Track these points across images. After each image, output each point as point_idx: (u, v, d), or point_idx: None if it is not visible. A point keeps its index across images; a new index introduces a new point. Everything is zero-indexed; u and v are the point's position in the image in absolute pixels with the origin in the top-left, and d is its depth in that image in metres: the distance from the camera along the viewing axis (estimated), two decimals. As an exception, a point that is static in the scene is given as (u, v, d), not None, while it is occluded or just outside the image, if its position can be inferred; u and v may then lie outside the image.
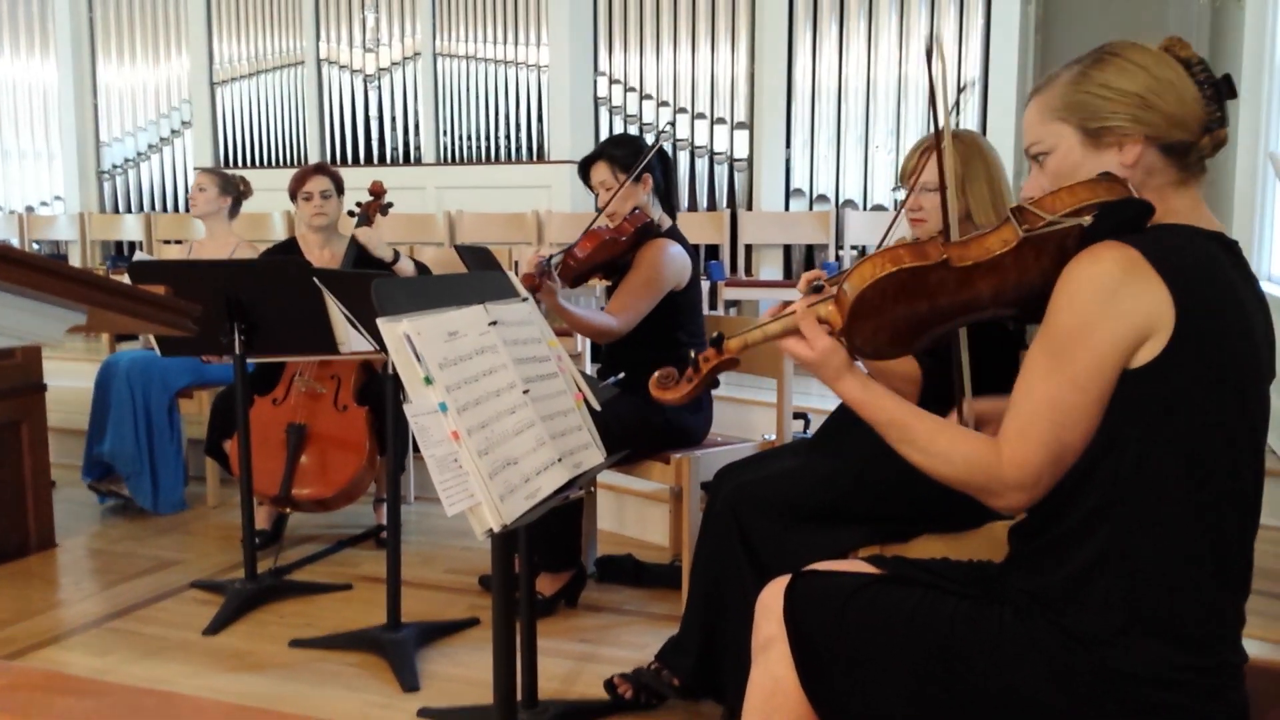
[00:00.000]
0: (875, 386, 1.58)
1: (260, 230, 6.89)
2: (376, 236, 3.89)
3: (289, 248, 4.14)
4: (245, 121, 7.77)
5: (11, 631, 3.20)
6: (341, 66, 7.40)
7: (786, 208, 6.41)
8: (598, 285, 3.56)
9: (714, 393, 2.02)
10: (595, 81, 6.85)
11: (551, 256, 3.06)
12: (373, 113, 7.35)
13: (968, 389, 1.80)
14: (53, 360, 4.43)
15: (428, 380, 1.79)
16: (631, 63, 6.74)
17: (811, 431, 3.71)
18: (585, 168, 3.31)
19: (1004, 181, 2.46)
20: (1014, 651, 1.47)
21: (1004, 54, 5.83)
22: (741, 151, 6.53)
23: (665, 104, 6.67)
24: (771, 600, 1.66)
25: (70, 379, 5.06)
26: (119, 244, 8.13)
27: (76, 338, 5.62)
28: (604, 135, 6.69)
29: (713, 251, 6.50)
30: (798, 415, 3.72)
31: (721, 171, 6.58)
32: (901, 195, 2.56)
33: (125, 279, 3.21)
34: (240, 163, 7.73)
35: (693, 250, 3.31)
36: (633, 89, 6.74)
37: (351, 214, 3.98)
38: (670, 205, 3.37)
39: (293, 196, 4.06)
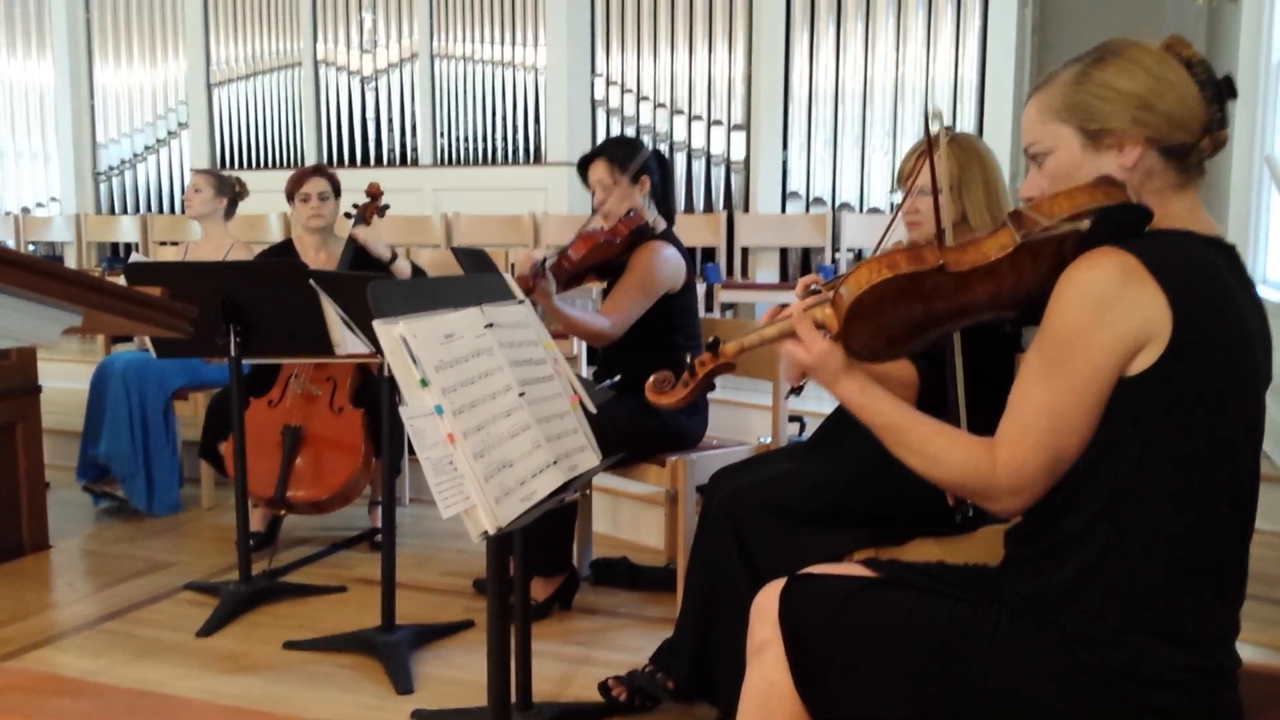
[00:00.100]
0: (873, 389, 1.58)
1: (257, 232, 6.89)
2: (373, 238, 3.89)
3: (285, 249, 4.14)
4: (242, 123, 7.76)
5: (6, 633, 3.19)
6: (338, 68, 7.40)
7: (783, 210, 6.41)
8: (594, 288, 3.56)
9: (710, 396, 2.03)
10: (592, 83, 6.85)
11: (545, 257, 3.06)
12: (369, 114, 7.35)
13: (961, 395, 1.81)
14: (48, 361, 4.42)
15: (423, 382, 1.79)
16: (629, 64, 6.74)
17: (807, 435, 3.71)
18: (584, 165, 3.32)
19: (1000, 184, 2.46)
20: (1011, 653, 1.47)
21: (1001, 55, 5.84)
22: (738, 154, 6.54)
23: (662, 106, 6.67)
24: (767, 603, 1.66)
25: (65, 380, 5.05)
26: (115, 245, 8.13)
27: (72, 339, 5.62)
28: (601, 137, 6.69)
29: (709, 254, 6.51)
30: (793, 418, 3.72)
31: (718, 174, 6.59)
32: (898, 198, 2.57)
33: (121, 281, 3.20)
34: (237, 164, 7.73)
35: (687, 253, 3.31)
36: (630, 91, 6.74)
37: (348, 215, 3.98)
38: (668, 210, 3.37)
39: (289, 198, 4.06)
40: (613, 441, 2.58)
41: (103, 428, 4.23)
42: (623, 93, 6.76)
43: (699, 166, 6.62)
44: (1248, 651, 1.53)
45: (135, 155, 8.22)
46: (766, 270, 6.52)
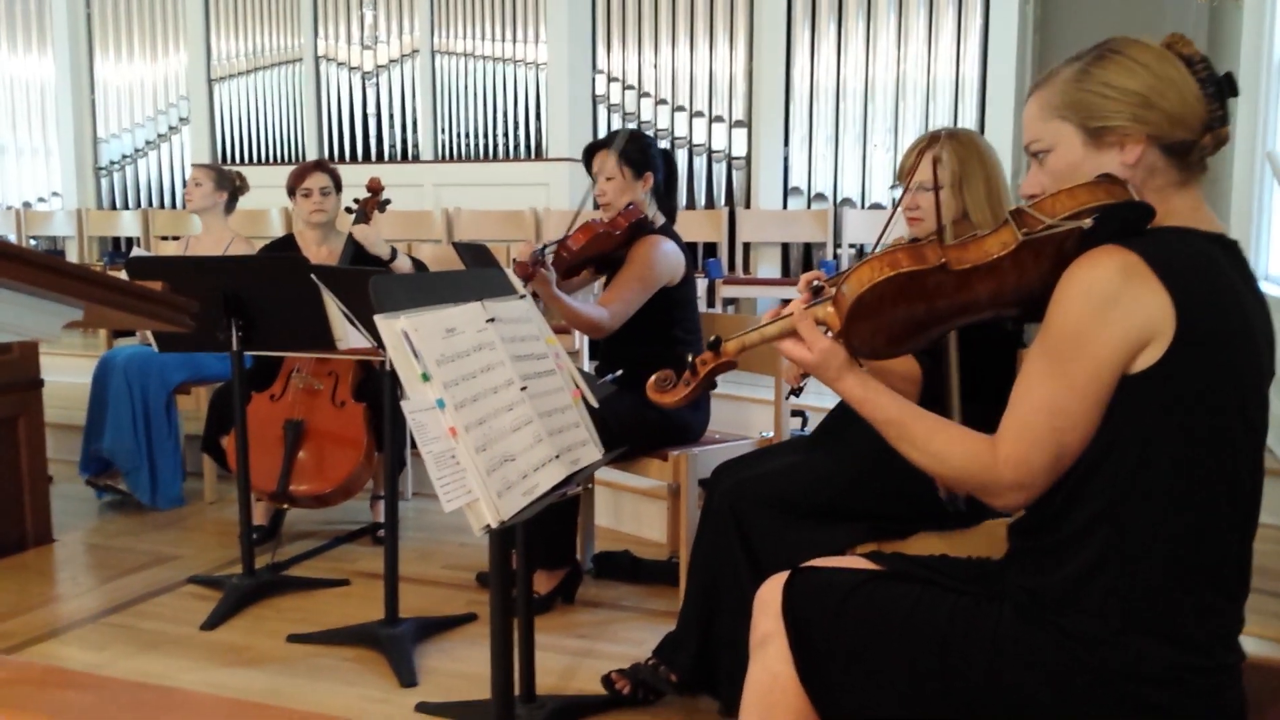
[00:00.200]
0: (875, 385, 1.58)
1: (258, 227, 6.89)
2: (374, 233, 3.89)
3: (287, 244, 4.14)
4: (243, 118, 7.76)
5: (9, 626, 3.19)
6: (340, 63, 7.40)
7: (784, 206, 6.41)
8: (596, 285, 3.56)
9: (711, 390, 2.03)
10: (594, 79, 6.85)
11: (545, 246, 3.06)
12: (371, 110, 7.34)
13: (955, 390, 1.82)
14: (50, 356, 4.43)
15: (425, 377, 1.80)
16: (630, 60, 6.74)
17: (810, 429, 3.71)
18: (590, 153, 3.32)
19: (1001, 180, 2.46)
20: (1012, 649, 1.48)
21: (1002, 53, 5.84)
22: (740, 149, 6.54)
23: (664, 102, 6.66)
24: (770, 596, 1.66)
25: (67, 374, 5.07)
26: (116, 240, 8.13)
27: (74, 333, 5.63)
28: (602, 133, 6.68)
29: (710, 249, 6.50)
30: (796, 413, 3.73)
31: (720, 169, 6.58)
32: (899, 194, 2.57)
33: (123, 275, 3.20)
34: (238, 159, 7.73)
35: (686, 247, 3.31)
36: (631, 87, 6.74)
37: (349, 211, 3.98)
38: (670, 207, 3.37)
39: (291, 193, 4.06)
40: (615, 435, 2.59)
41: (105, 422, 4.24)
42: (624, 88, 6.75)
43: (700, 162, 6.62)
44: (1252, 645, 1.53)
45: (136, 150, 8.22)
46: (768, 266, 6.52)
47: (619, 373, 2.88)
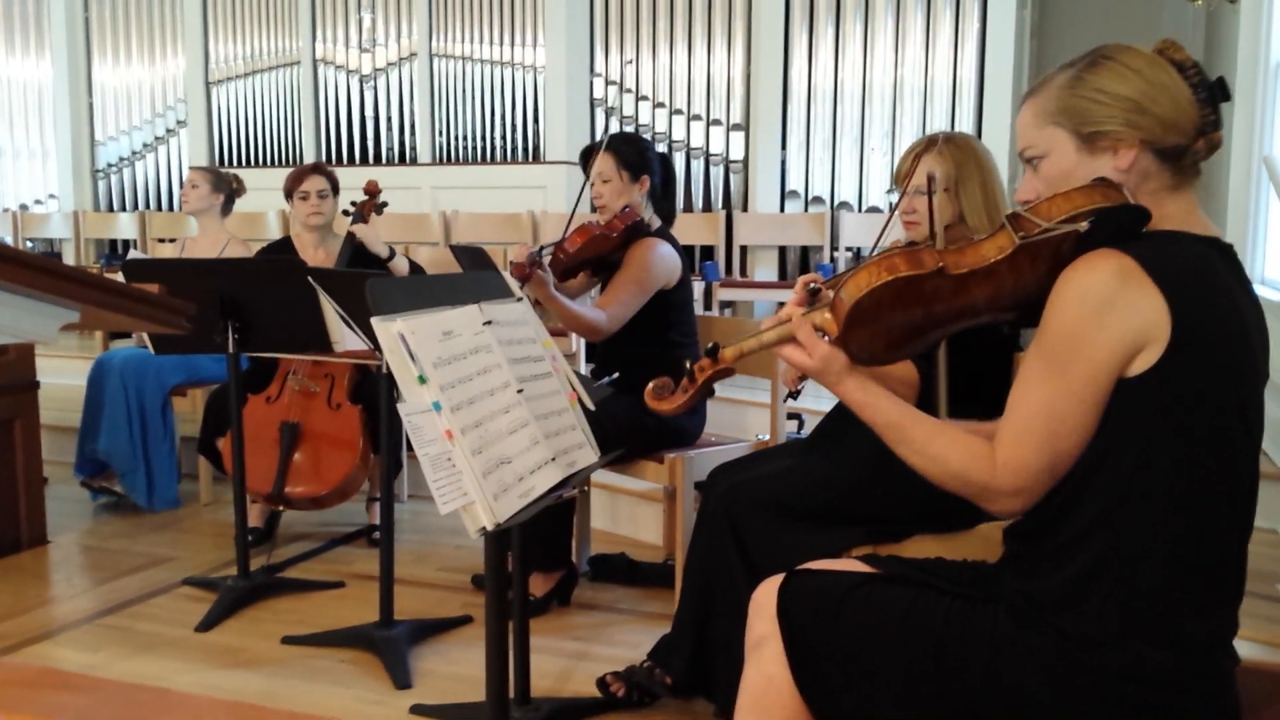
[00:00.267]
0: (874, 389, 1.59)
1: (255, 229, 6.89)
2: (372, 236, 3.89)
3: (284, 247, 4.14)
4: (241, 121, 7.76)
5: (4, 628, 3.19)
6: (337, 66, 7.40)
7: (782, 209, 6.41)
8: (594, 290, 3.56)
9: (710, 397, 2.03)
10: (591, 82, 6.85)
11: (542, 248, 3.06)
12: (368, 113, 7.34)
13: (943, 392, 1.82)
14: (46, 357, 4.43)
15: (422, 379, 1.79)
16: (627, 64, 6.74)
17: (806, 432, 3.72)
18: (587, 155, 3.32)
19: (997, 183, 2.47)
20: (1008, 651, 1.48)
21: (999, 57, 5.84)
22: (737, 153, 6.54)
23: (661, 105, 6.67)
24: (765, 599, 1.66)
25: (63, 376, 5.06)
26: (113, 242, 8.12)
27: (70, 335, 5.62)
28: (599, 137, 6.68)
29: (708, 252, 6.51)
30: (792, 416, 3.73)
31: (717, 173, 6.59)
32: (895, 198, 2.57)
33: (119, 277, 3.20)
34: (235, 162, 7.72)
35: (682, 250, 3.31)
36: (629, 90, 6.74)
37: (347, 213, 3.98)
38: (668, 211, 3.37)
39: (288, 196, 4.06)
40: (611, 438, 2.59)
41: (101, 424, 4.24)
42: (621, 92, 6.75)
43: (698, 166, 6.62)
44: (1245, 648, 1.53)
45: (134, 153, 8.21)
46: (765, 269, 6.52)
47: (615, 375, 2.88)
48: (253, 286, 3.25)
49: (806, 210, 6.35)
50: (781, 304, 2.30)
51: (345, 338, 3.21)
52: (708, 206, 6.60)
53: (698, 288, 5.48)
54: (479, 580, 3.51)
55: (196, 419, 4.18)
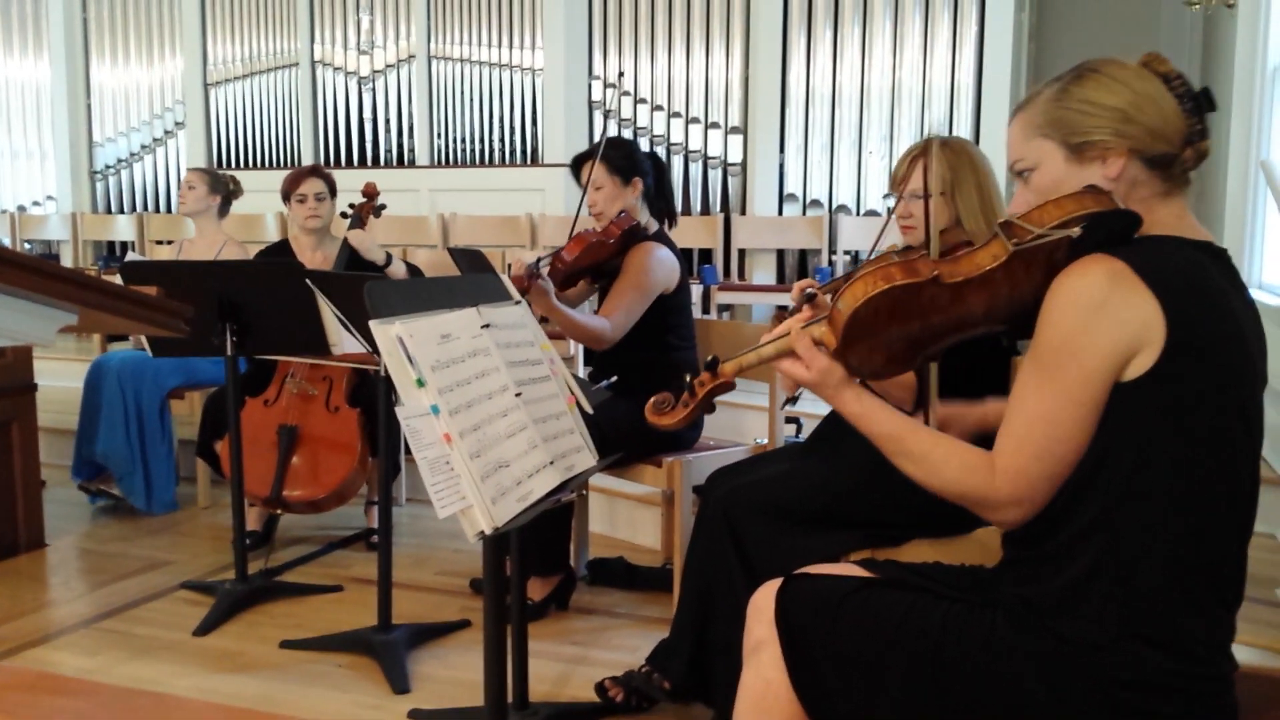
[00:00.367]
0: (871, 401, 1.60)
1: (253, 231, 6.88)
2: (369, 239, 3.89)
3: (282, 249, 4.14)
4: (239, 123, 7.75)
5: (1, 632, 3.18)
6: (336, 68, 7.40)
7: (780, 213, 6.41)
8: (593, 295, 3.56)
9: (710, 413, 2.03)
10: (589, 85, 6.85)
11: (540, 259, 3.06)
12: (367, 115, 7.34)
13: (934, 400, 1.82)
14: (43, 360, 4.42)
15: (420, 382, 1.79)
16: (626, 66, 6.74)
17: (804, 436, 3.71)
18: (578, 163, 3.32)
19: (993, 188, 2.47)
20: (1006, 655, 1.48)
21: (997, 61, 5.84)
22: (735, 156, 6.54)
23: (660, 108, 6.67)
24: (763, 603, 1.66)
25: (62, 379, 5.05)
26: (111, 244, 8.11)
27: (67, 337, 5.61)
28: (597, 139, 6.67)
29: (706, 256, 6.50)
30: (790, 419, 3.73)
31: (715, 176, 6.59)
32: (892, 202, 2.58)
33: (117, 279, 3.20)
34: (234, 164, 7.71)
35: (681, 253, 3.31)
36: (627, 93, 6.74)
37: (345, 216, 3.98)
38: (663, 212, 3.36)
39: (285, 199, 4.06)
40: (609, 441, 2.59)
41: (99, 427, 4.23)
42: (620, 95, 6.76)
43: (696, 169, 6.62)
44: (1243, 654, 1.53)
45: (132, 154, 8.21)
46: (763, 272, 6.52)
47: (613, 379, 2.88)
48: (251, 289, 3.25)
49: (805, 213, 6.35)
50: (780, 307, 2.30)
51: (343, 341, 3.21)
52: (706, 210, 6.60)
53: (696, 291, 5.48)
54: (477, 584, 3.51)
55: (194, 422, 4.18)
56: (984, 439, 1.55)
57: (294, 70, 7.53)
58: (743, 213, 6.50)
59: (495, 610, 2.13)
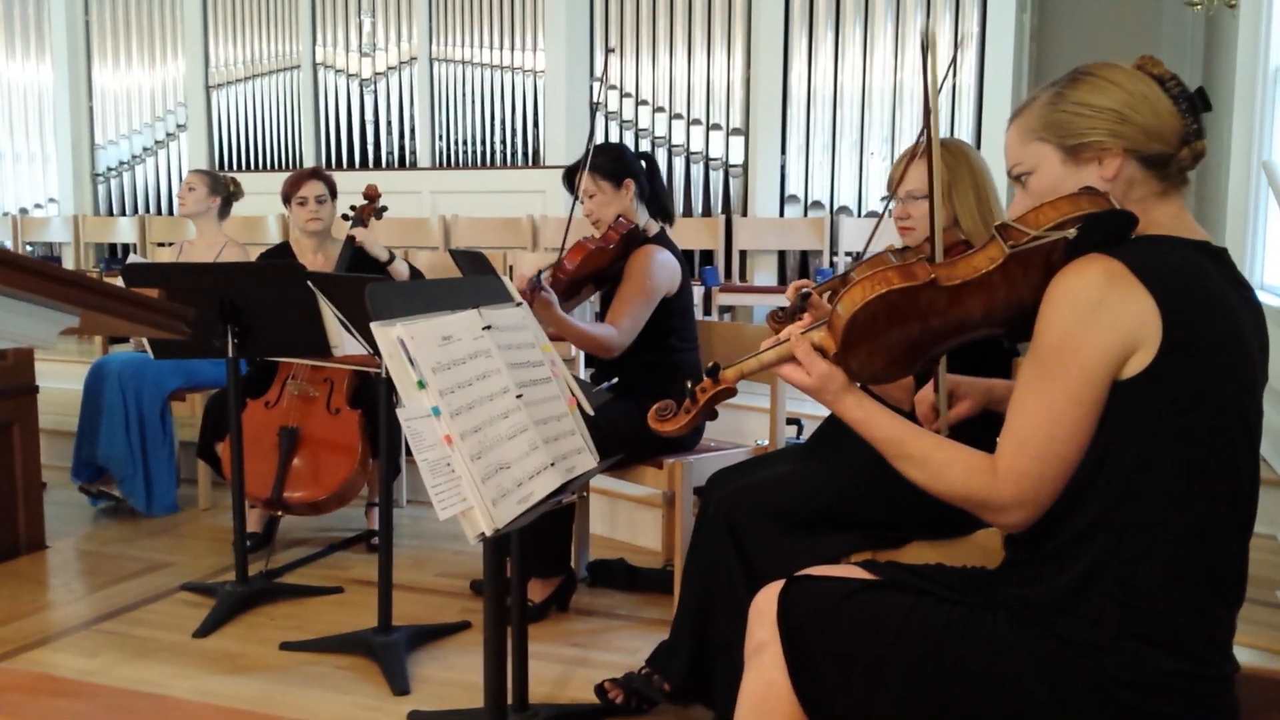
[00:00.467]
0: (872, 405, 1.60)
1: (254, 233, 6.89)
2: (371, 240, 3.89)
3: (283, 251, 4.14)
4: (241, 125, 7.76)
5: (1, 633, 3.18)
6: (337, 70, 7.40)
7: (781, 214, 6.41)
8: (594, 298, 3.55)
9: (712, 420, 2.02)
10: (591, 87, 6.85)
11: (541, 271, 3.06)
12: (368, 117, 7.34)
13: (944, 404, 1.82)
14: (44, 362, 4.42)
15: (421, 384, 1.80)
16: (627, 68, 6.74)
17: (805, 437, 3.71)
18: (569, 179, 3.31)
19: (990, 189, 2.47)
20: (1006, 655, 1.48)
21: (999, 62, 5.85)
22: (736, 157, 6.54)
23: (661, 110, 6.67)
24: (765, 605, 1.66)
25: (62, 381, 5.05)
26: (113, 247, 8.12)
27: (69, 339, 5.61)
28: (599, 140, 6.68)
29: (707, 257, 6.51)
30: (791, 421, 3.73)
31: (716, 177, 6.59)
32: (891, 203, 2.58)
33: (119, 282, 3.20)
34: (235, 166, 7.72)
35: (682, 255, 3.31)
36: (629, 94, 6.74)
37: (346, 218, 3.98)
38: (661, 210, 3.35)
39: (286, 201, 4.06)
40: (610, 443, 2.59)
41: (99, 428, 4.23)
42: (621, 96, 6.76)
43: (697, 170, 6.62)
44: (1244, 655, 1.53)
45: (134, 157, 8.22)
46: (764, 273, 6.52)
47: (614, 380, 2.88)
48: (252, 291, 3.25)
49: (806, 215, 6.35)
50: (780, 309, 2.30)
51: (344, 342, 3.21)
52: (707, 211, 6.60)
53: (697, 293, 5.48)
54: (477, 586, 3.51)
55: (195, 424, 4.18)
56: (991, 420, 1.54)
57: (295, 72, 7.53)
58: (744, 214, 6.50)
59: (495, 612, 2.13)
